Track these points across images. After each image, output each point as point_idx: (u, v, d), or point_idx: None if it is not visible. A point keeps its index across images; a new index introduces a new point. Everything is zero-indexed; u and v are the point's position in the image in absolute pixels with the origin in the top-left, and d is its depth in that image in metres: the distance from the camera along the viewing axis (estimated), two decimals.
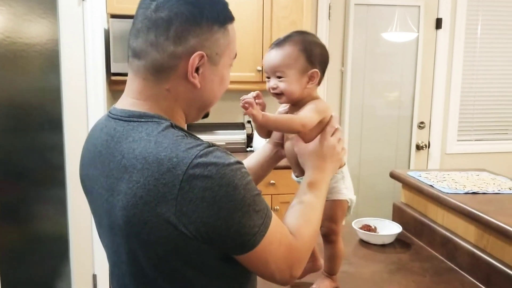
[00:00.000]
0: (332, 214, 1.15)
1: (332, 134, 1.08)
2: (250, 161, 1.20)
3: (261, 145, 1.25)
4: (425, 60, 3.47)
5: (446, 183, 1.63)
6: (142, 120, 0.81)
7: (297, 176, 1.17)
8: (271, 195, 2.81)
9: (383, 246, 1.63)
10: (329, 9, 3.30)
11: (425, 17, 3.40)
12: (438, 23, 3.45)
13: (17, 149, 2.27)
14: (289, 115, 1.08)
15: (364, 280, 1.38)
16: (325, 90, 3.37)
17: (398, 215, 1.83)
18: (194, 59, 0.81)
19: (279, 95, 1.09)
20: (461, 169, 1.86)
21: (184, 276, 0.80)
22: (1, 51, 2.12)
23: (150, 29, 0.81)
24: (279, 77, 1.08)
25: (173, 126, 0.81)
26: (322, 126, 1.08)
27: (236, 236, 0.76)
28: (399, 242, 1.66)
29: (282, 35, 1.11)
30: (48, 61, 2.36)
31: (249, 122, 3.19)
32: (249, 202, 0.77)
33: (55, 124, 2.42)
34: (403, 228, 1.70)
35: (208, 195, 0.73)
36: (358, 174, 3.48)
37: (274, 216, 0.84)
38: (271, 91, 1.10)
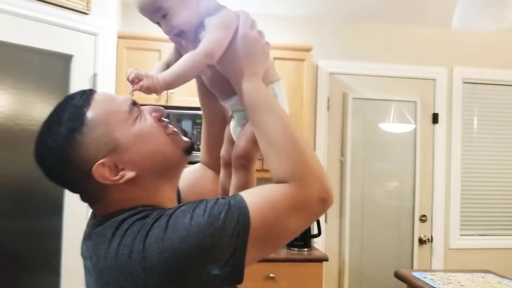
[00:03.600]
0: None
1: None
2: (203, 128, 1.07)
3: None
4: (424, 152, 3.54)
5: (452, 286, 1.60)
6: (107, 222, 0.80)
7: (224, 100, 0.97)
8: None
9: None
10: (328, 102, 3.43)
11: (421, 111, 3.52)
12: (435, 118, 3.56)
13: (13, 234, 2.27)
14: (185, 56, 0.84)
15: None
16: None
17: None
18: (100, 173, 0.78)
19: (181, 34, 0.88)
20: (466, 269, 1.83)
21: None
22: (11, 136, 2.20)
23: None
24: (164, 16, 0.87)
25: (138, 212, 0.78)
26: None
27: (223, 238, 0.72)
28: None
29: None
30: None
31: None
32: (208, 214, 0.72)
33: (55, 208, 2.42)
34: None
35: (167, 255, 0.70)
36: (360, 268, 3.40)
37: (244, 198, 0.76)
38: (170, 35, 0.89)
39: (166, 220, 0.73)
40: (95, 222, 0.83)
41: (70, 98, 0.82)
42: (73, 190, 0.85)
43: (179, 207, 0.76)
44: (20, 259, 2.31)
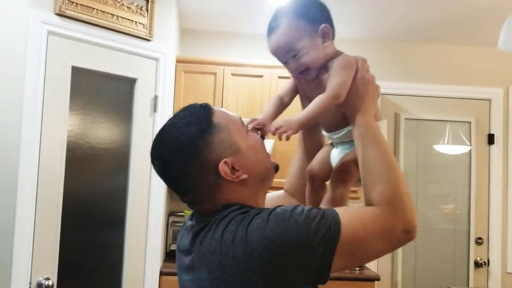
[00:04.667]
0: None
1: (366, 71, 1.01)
2: (298, 158, 1.16)
3: None
4: (479, 174, 3.46)
5: None
6: (216, 216, 0.90)
7: (331, 132, 1.07)
8: None
9: None
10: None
11: (476, 132, 3.46)
12: (491, 139, 3.48)
13: (80, 247, 2.43)
14: (316, 98, 0.96)
15: None
16: None
17: None
18: (223, 169, 0.90)
19: (305, 71, 1.01)
20: None
21: None
22: (80, 154, 2.39)
23: (172, 188, 0.96)
24: (294, 56, 0.99)
25: (241, 207, 0.89)
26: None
27: (315, 242, 0.81)
28: None
29: None
30: (119, 164, 2.60)
31: None
32: (305, 218, 0.83)
33: (118, 222, 2.58)
34: None
35: (267, 244, 0.81)
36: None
37: (337, 211, 0.86)
38: (295, 72, 1.02)
39: (267, 213, 0.84)
40: (199, 219, 0.95)
41: (192, 107, 0.95)
42: (187, 186, 0.93)
43: (277, 206, 0.87)
44: (85, 271, 2.46)
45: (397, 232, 0.86)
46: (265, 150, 0.98)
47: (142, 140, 2.62)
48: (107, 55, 2.44)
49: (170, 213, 3.17)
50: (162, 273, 2.70)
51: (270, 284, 0.82)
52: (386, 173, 0.90)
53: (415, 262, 3.38)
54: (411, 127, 3.46)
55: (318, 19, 1.00)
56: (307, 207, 0.86)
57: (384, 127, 0.97)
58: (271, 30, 1.01)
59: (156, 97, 2.69)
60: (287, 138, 0.91)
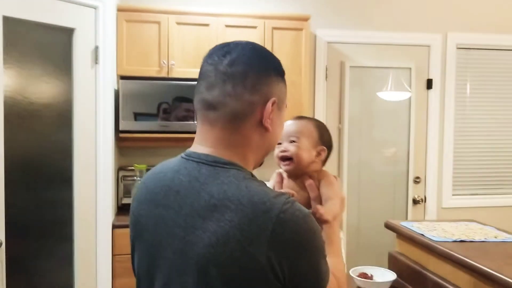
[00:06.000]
0: None
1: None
2: None
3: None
4: (418, 118, 3.64)
5: (436, 232, 1.72)
6: (227, 166, 0.88)
7: None
8: None
9: None
10: (326, 71, 3.52)
11: (416, 78, 3.61)
12: (429, 84, 3.65)
13: (28, 205, 2.38)
14: (330, 203, 1.17)
15: None
16: None
17: (393, 263, 1.90)
18: (270, 105, 0.92)
19: (287, 160, 1.19)
20: (452, 219, 1.96)
21: None
22: (19, 110, 2.29)
23: (226, 82, 0.90)
24: (292, 141, 1.19)
25: (252, 175, 0.90)
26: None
27: (313, 278, 0.85)
28: None
29: None
30: (62, 119, 2.53)
31: None
32: (323, 247, 0.88)
33: (66, 179, 2.54)
34: (398, 275, 1.77)
35: (295, 239, 0.81)
36: (358, 226, 3.55)
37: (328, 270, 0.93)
38: (280, 154, 1.20)
39: (307, 216, 0.86)
40: (197, 160, 0.91)
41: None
42: (244, 110, 0.91)
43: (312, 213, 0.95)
44: (34, 229, 2.43)
45: None
46: (278, 139, 1.03)
47: (84, 92, 2.54)
48: (41, 3, 2.31)
49: (119, 168, 3.14)
50: (114, 226, 2.71)
51: (267, 265, 0.80)
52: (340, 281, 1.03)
53: (359, 202, 3.57)
54: (355, 74, 3.55)
55: (324, 142, 1.24)
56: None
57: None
58: (296, 118, 1.25)
59: (96, 48, 2.59)
60: (326, 222, 1.11)
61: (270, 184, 1.26)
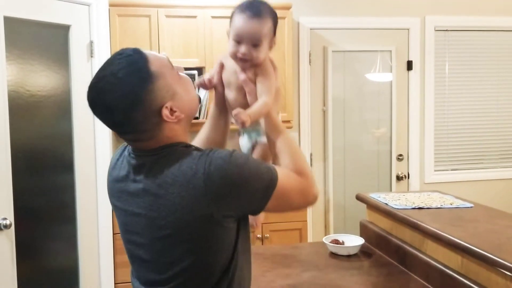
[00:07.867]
0: None
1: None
2: (205, 130, 1.27)
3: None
4: (400, 99, 3.83)
5: (399, 201, 1.93)
6: (163, 151, 1.02)
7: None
8: (262, 224, 3.08)
9: (349, 256, 1.91)
10: (310, 56, 3.69)
11: (397, 60, 3.78)
12: (409, 65, 3.83)
13: (33, 190, 2.59)
14: (260, 103, 1.14)
15: (328, 281, 1.66)
16: (309, 128, 3.70)
17: (364, 231, 2.12)
18: (165, 113, 1.00)
19: (248, 61, 1.14)
20: (418, 191, 2.17)
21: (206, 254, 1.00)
22: (22, 102, 2.49)
23: (114, 130, 1.04)
24: (255, 45, 1.12)
25: (185, 146, 1.03)
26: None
27: (260, 186, 0.99)
28: (363, 253, 1.95)
29: None
30: (62, 110, 2.72)
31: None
32: (255, 167, 1.00)
33: (67, 165, 2.74)
34: (367, 241, 1.99)
35: (227, 182, 0.95)
36: (344, 204, 3.76)
37: (277, 168, 1.06)
38: (241, 56, 1.13)
39: (228, 156, 0.98)
40: (140, 154, 1.05)
41: (126, 54, 1.00)
42: (130, 129, 1.01)
43: (234, 150, 1.03)
44: (41, 212, 2.63)
45: (309, 195, 1.09)
46: (194, 89, 1.11)
47: (81, 85, 2.73)
48: (38, 3, 2.48)
49: None
50: None
51: (218, 211, 0.97)
52: (298, 153, 1.13)
53: (344, 181, 3.78)
54: (338, 58, 3.73)
55: (275, 30, 1.18)
56: (258, 160, 1.07)
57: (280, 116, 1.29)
58: (256, 14, 1.12)
59: (91, 43, 2.77)
60: (243, 125, 1.07)
61: (209, 72, 1.23)
